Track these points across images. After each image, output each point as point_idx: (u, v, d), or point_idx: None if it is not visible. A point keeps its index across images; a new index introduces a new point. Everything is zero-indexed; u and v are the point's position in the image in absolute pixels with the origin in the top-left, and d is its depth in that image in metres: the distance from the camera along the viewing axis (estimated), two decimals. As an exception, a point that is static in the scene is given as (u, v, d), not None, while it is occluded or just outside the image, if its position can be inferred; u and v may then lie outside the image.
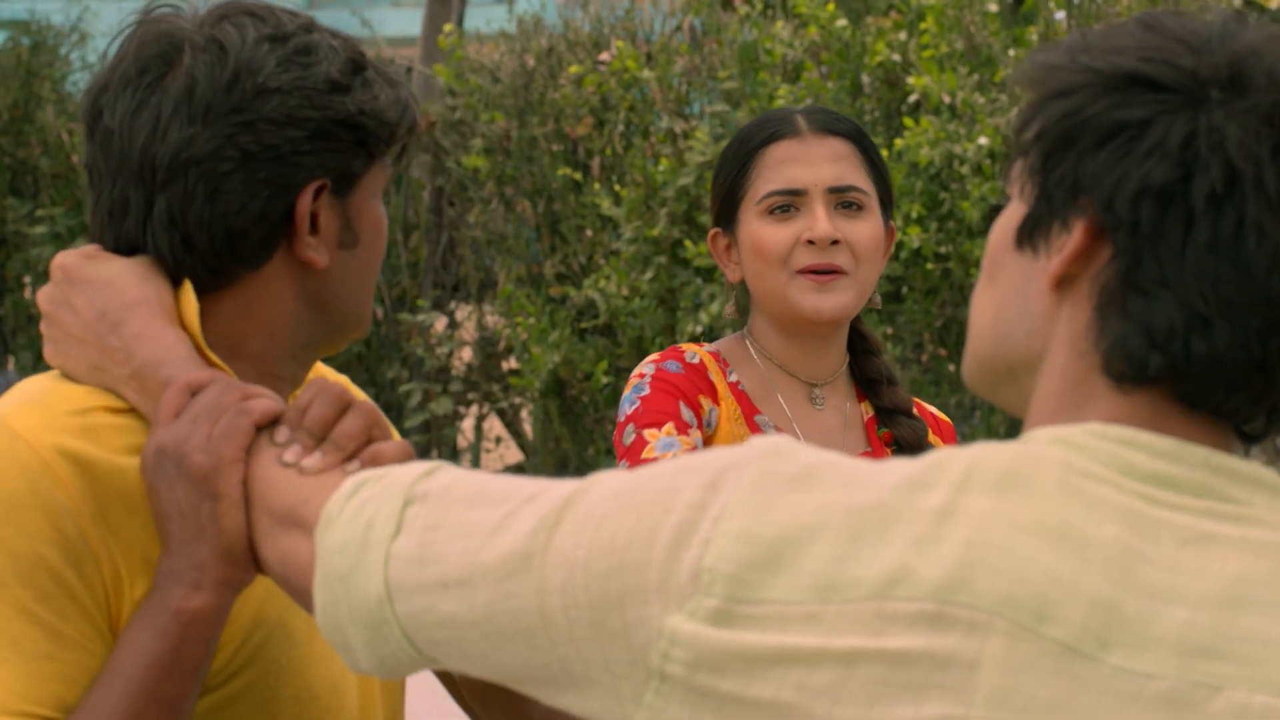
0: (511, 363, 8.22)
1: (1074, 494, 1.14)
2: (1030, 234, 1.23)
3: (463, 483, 1.31)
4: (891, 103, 6.93)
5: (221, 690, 1.53)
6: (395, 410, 8.40)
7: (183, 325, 1.56)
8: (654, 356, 2.53)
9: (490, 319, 8.27)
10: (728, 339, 2.58)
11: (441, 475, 1.32)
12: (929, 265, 6.50)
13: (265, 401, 1.45)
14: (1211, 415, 1.19)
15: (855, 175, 2.47)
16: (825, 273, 2.44)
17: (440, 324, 8.36)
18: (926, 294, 6.66)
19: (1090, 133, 1.19)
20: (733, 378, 2.52)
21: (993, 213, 7.05)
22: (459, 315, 8.48)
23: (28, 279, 9.44)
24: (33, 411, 1.51)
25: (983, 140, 6.30)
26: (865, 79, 6.93)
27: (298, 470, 1.42)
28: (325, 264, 1.59)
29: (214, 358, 1.56)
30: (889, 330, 6.71)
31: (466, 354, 8.42)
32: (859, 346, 2.56)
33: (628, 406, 2.48)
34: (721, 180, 2.52)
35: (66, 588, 1.47)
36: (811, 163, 2.46)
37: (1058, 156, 1.20)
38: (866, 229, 2.45)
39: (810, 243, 2.43)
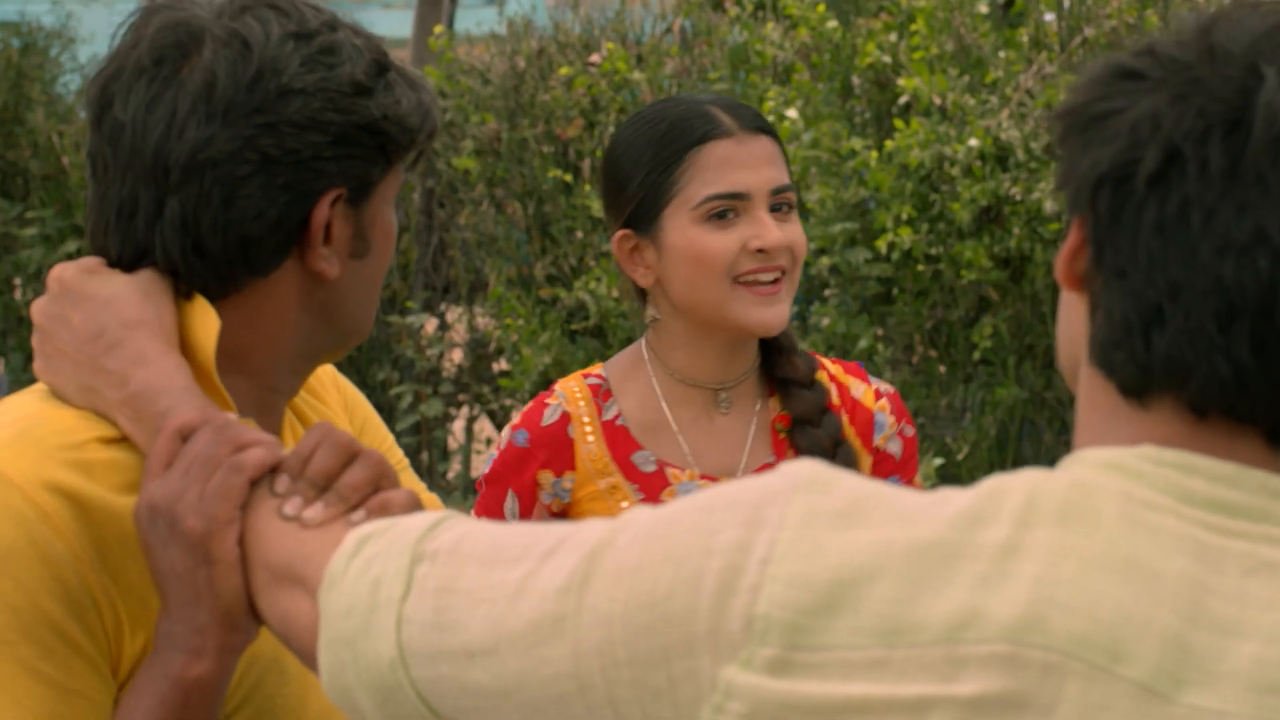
0: (502, 364, 8.21)
1: (1137, 525, 1.11)
2: (1064, 233, 1.20)
3: (473, 537, 1.24)
4: (882, 104, 6.93)
5: None
6: (386, 412, 8.38)
7: (191, 346, 1.48)
8: (519, 416, 2.42)
9: (481, 321, 8.26)
10: (627, 352, 2.46)
11: (449, 528, 1.26)
12: (919, 267, 6.50)
13: (259, 452, 1.38)
14: (1252, 429, 1.14)
15: (786, 176, 2.38)
16: (768, 283, 2.34)
17: (431, 326, 8.35)
18: (917, 296, 6.66)
19: (1076, 128, 1.17)
20: (611, 413, 2.40)
21: (983, 214, 6.99)
22: (449, 317, 8.47)
23: (18, 281, 9.41)
24: (23, 449, 1.43)
25: (973, 142, 6.30)
26: (855, 80, 6.93)
27: (299, 523, 1.35)
28: (336, 275, 1.52)
29: (218, 384, 1.48)
30: (879, 332, 6.70)
31: (457, 355, 8.40)
32: (768, 346, 2.46)
33: (483, 472, 2.41)
34: (640, 180, 2.36)
35: (69, 640, 1.41)
36: (751, 165, 2.35)
37: (1061, 154, 1.19)
38: (799, 230, 2.37)
39: (759, 250, 2.33)
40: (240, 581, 1.37)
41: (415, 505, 1.38)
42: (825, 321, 6.54)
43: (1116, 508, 1.12)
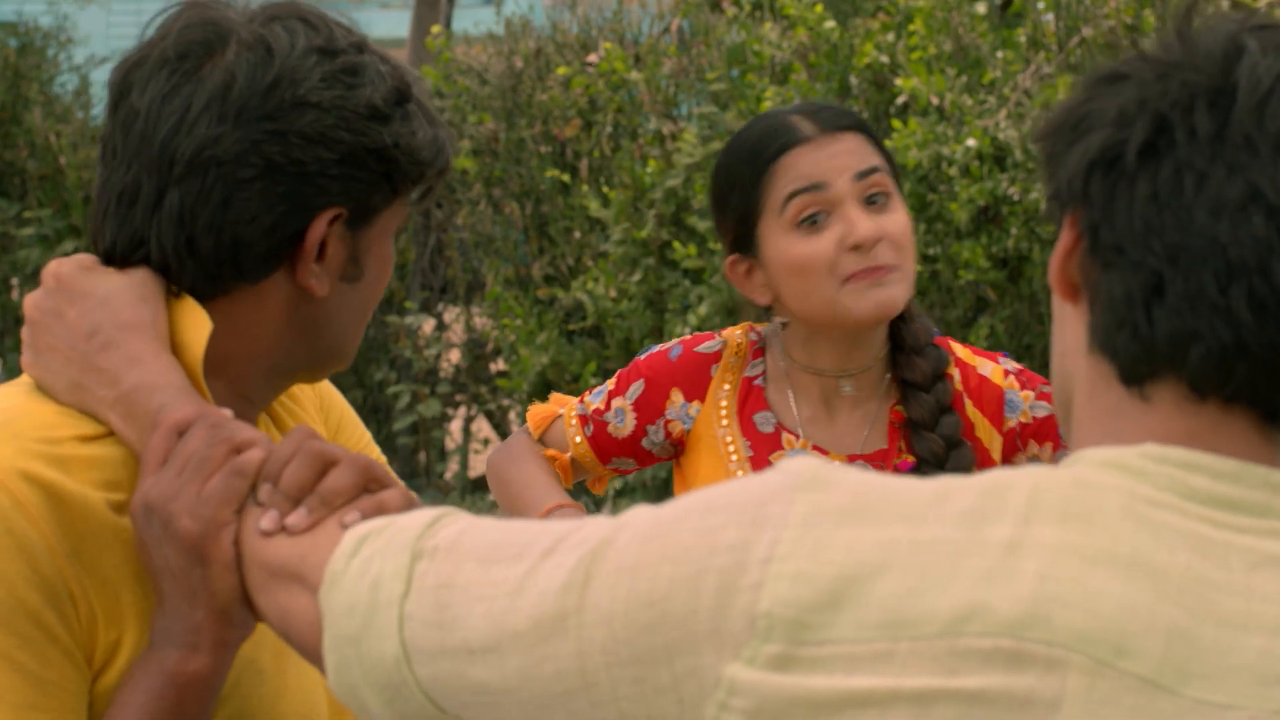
0: (500, 364, 8.21)
1: (1141, 523, 1.12)
2: (1056, 240, 1.21)
3: (471, 534, 1.25)
4: (879, 104, 6.93)
5: None
6: (383, 412, 8.38)
7: (179, 347, 1.49)
8: (687, 338, 2.49)
9: (478, 321, 8.26)
10: (778, 321, 2.48)
11: (448, 525, 1.26)
12: (918, 267, 6.51)
13: (257, 454, 1.39)
14: (1247, 411, 1.15)
15: (875, 160, 2.36)
16: (873, 271, 2.32)
17: (428, 326, 8.35)
18: (915, 295, 6.66)
19: (1064, 133, 1.19)
20: (756, 371, 2.44)
21: (981, 214, 6.98)
22: (447, 317, 8.47)
23: (15, 281, 9.41)
24: (1, 441, 1.43)
25: (971, 142, 6.30)
26: (853, 80, 6.92)
27: (285, 533, 1.36)
28: (324, 293, 1.52)
29: (204, 387, 1.48)
30: (877, 332, 6.70)
31: (454, 356, 8.40)
32: (895, 343, 2.45)
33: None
34: (735, 202, 2.37)
35: (47, 631, 1.40)
36: (828, 160, 2.34)
37: (1051, 165, 1.20)
38: (900, 218, 2.36)
39: (856, 247, 2.31)
40: (236, 581, 1.38)
41: (410, 504, 1.38)
42: (823, 321, 6.54)
43: (1120, 505, 1.12)
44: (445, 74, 7.81)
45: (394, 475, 1.75)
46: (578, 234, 7.54)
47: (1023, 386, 2.46)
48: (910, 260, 2.38)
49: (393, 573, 1.25)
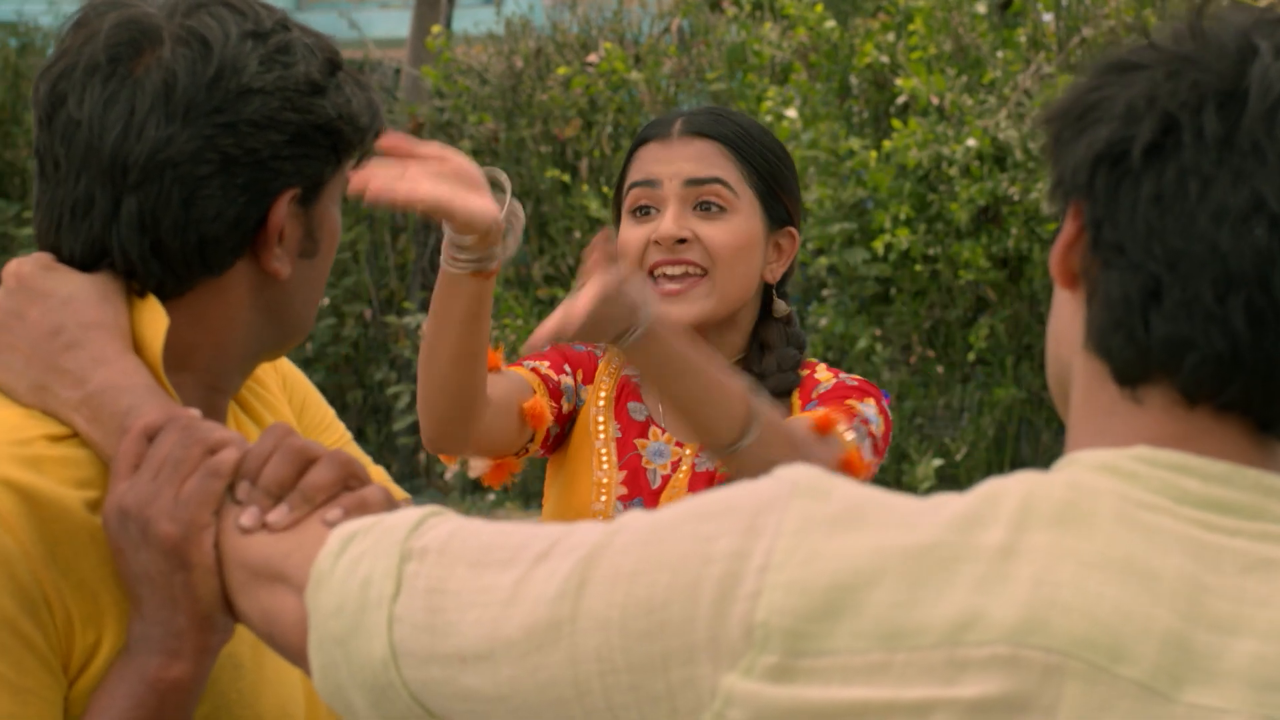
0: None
1: (1134, 526, 1.11)
2: (1059, 227, 1.20)
3: (461, 536, 1.24)
4: (880, 104, 6.93)
5: None
6: (383, 412, 8.37)
7: (139, 345, 1.46)
8: None
9: (478, 321, 8.26)
10: None
11: (437, 526, 1.25)
12: (917, 267, 6.51)
13: (232, 453, 1.36)
14: (1239, 418, 1.14)
15: (718, 171, 2.44)
16: (675, 278, 2.42)
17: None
18: (915, 296, 6.66)
19: (1071, 120, 1.18)
20: (631, 371, 2.54)
21: (981, 214, 6.99)
22: (447, 317, 8.46)
23: (15, 281, 9.41)
24: None
25: (970, 142, 6.30)
26: (853, 80, 6.93)
27: (265, 530, 1.34)
28: (288, 274, 1.51)
29: (166, 383, 1.46)
30: (877, 332, 6.70)
31: (455, 356, 8.40)
32: (750, 365, 2.48)
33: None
34: (620, 178, 2.53)
35: (23, 638, 1.38)
36: (669, 160, 2.45)
37: (1055, 151, 1.20)
38: (726, 229, 2.42)
39: (658, 242, 2.42)
40: (217, 584, 1.35)
41: (391, 502, 1.36)
42: (823, 322, 6.55)
43: (1113, 509, 1.12)
44: (445, 74, 7.80)
45: (358, 449, 1.75)
46: (578, 234, 7.54)
47: (837, 377, 2.52)
48: (728, 276, 2.43)
49: (382, 573, 1.24)
